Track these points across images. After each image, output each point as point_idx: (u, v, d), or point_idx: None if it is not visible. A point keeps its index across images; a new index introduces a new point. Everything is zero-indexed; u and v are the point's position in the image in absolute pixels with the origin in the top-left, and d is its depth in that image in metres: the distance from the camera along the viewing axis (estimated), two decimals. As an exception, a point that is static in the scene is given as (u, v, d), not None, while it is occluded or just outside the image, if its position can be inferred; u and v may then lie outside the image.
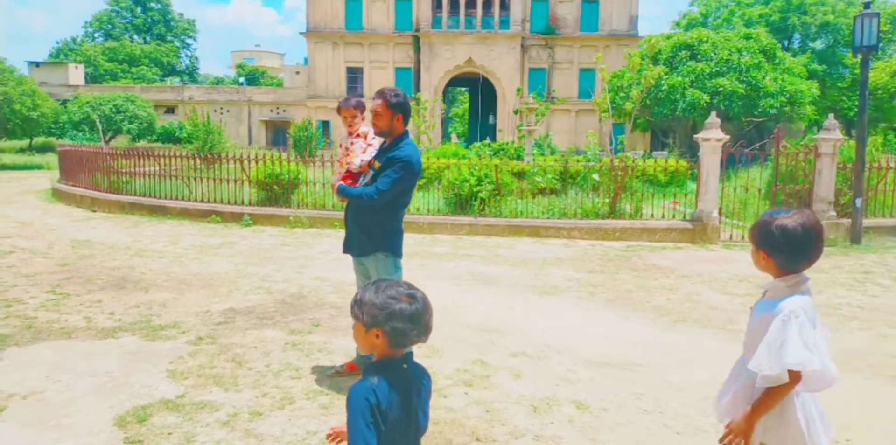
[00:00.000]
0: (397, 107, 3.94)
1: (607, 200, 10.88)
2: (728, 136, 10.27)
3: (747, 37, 27.45)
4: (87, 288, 6.60)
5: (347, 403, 1.76)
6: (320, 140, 28.11)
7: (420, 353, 4.64)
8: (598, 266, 8.21)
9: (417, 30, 40.72)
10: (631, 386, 4.26)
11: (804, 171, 10.28)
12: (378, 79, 41.77)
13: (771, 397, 2.14)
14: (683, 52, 27.21)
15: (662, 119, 27.73)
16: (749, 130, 26.36)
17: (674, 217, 10.69)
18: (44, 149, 34.93)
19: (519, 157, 18.39)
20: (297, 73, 50.00)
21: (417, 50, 41.01)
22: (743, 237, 10.34)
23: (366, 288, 1.85)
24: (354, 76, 42.13)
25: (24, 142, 35.47)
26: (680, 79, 25.96)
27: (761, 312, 2.25)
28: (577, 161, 12.71)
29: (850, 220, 10.10)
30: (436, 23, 40.50)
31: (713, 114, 10.66)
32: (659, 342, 5.25)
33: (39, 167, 26.88)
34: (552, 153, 22.43)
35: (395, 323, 1.78)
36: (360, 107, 4.26)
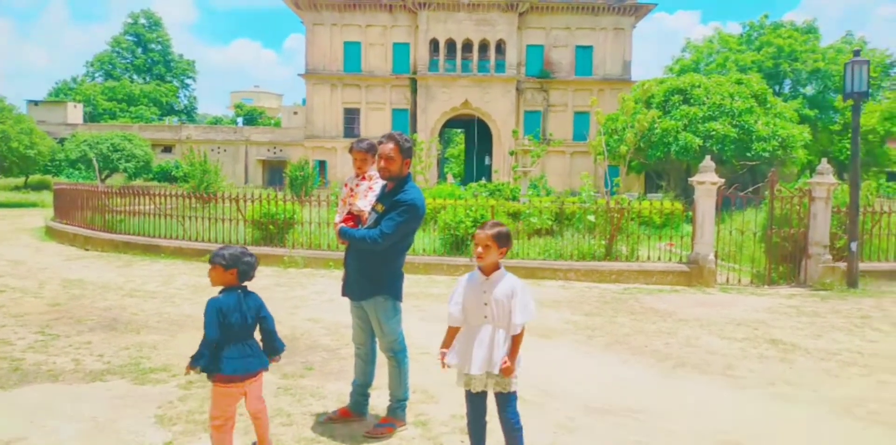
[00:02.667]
0: (408, 153, 4.01)
1: (603, 242, 10.88)
2: (723, 180, 10.37)
3: (739, 82, 28.06)
4: (77, 329, 6.49)
5: (205, 309, 3.34)
6: (316, 179, 28.25)
7: (415, 399, 4.54)
8: (596, 308, 8.15)
9: (415, 72, 41.53)
10: (631, 434, 4.16)
11: (799, 215, 10.34)
12: (375, 120, 42.36)
13: (520, 340, 3.39)
14: (676, 96, 27.74)
15: (656, 161, 28.06)
16: (742, 173, 26.66)
17: (670, 259, 10.68)
18: (39, 187, 34.98)
19: (514, 198, 18.49)
20: (295, 113, 50.70)
21: (414, 92, 41.73)
22: (740, 280, 10.32)
23: (221, 249, 3.45)
24: (352, 117, 42.71)
25: (20, 180, 35.54)
26: (673, 122, 26.40)
27: (500, 292, 3.33)
28: (573, 202, 12.77)
29: (846, 264, 10.11)
30: (433, 66, 41.35)
31: (707, 157, 10.78)
32: (659, 388, 5.16)
33: (34, 205, 26.86)
34: (548, 194, 22.58)
35: (243, 265, 3.41)
36: (372, 151, 4.19)
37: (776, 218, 10.30)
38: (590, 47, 41.79)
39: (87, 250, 12.74)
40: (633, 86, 35.35)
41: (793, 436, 4.30)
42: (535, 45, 41.88)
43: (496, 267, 3.36)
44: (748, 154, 26.04)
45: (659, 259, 10.70)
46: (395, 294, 4.06)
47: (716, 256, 10.34)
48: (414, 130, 40.20)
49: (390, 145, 3.95)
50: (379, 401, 4.37)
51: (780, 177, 12.56)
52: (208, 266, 3.50)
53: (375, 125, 42.39)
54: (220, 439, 3.43)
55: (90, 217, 14.00)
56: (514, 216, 12.64)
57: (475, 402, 3.45)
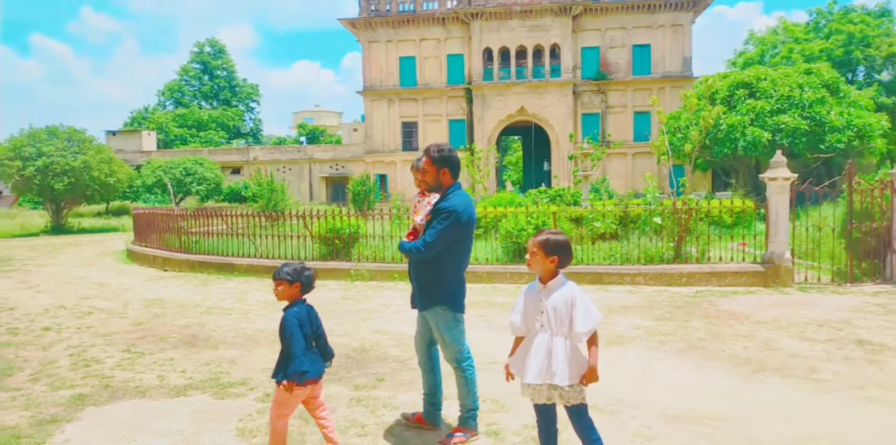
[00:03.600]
0: (441, 162, 4.03)
1: (671, 244, 10.60)
2: (796, 175, 9.94)
3: (808, 72, 26.88)
4: (160, 346, 6.81)
5: (284, 321, 3.63)
6: (378, 193, 28.73)
7: (485, 408, 4.54)
8: (667, 313, 7.93)
9: (470, 82, 41.74)
10: (711, 442, 4.03)
11: (881, 208, 9.79)
12: (432, 132, 42.77)
13: (596, 345, 3.29)
14: (741, 90, 26.82)
15: (723, 159, 27.16)
16: (816, 167, 25.46)
17: (743, 260, 10.30)
18: (119, 212, 36.95)
19: (576, 203, 18.26)
20: (355, 129, 51.79)
21: (470, 102, 41.92)
22: (819, 279, 9.84)
23: (284, 266, 3.75)
24: (409, 130, 43.27)
25: (102, 207, 37.63)
26: (739, 117, 25.51)
27: (558, 300, 3.28)
28: (637, 204, 12.51)
29: (937, 258, 9.48)
30: (487, 75, 41.46)
31: (778, 152, 10.37)
32: (738, 393, 4.98)
33: (115, 229, 28.40)
34: (610, 197, 22.19)
35: (305, 279, 3.72)
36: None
37: (856, 212, 9.78)
38: (647, 46, 40.96)
39: (165, 271, 13.37)
40: (695, 82, 34.34)
41: (886, 442, 4.06)
42: (590, 46, 41.37)
43: (553, 275, 3.31)
44: (821, 146, 24.86)
45: (731, 259, 10.34)
46: (454, 304, 4.06)
47: (792, 254, 9.91)
48: (471, 140, 40.34)
49: (423, 158, 4.06)
50: (451, 411, 4.40)
51: (858, 168, 11.93)
52: (273, 283, 3.72)
53: (433, 137, 42.78)
54: (283, 427, 3.72)
55: (167, 239, 14.69)
56: (577, 221, 12.48)
57: (542, 412, 3.43)
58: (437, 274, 4.04)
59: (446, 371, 4.31)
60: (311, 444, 4.11)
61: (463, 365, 4.14)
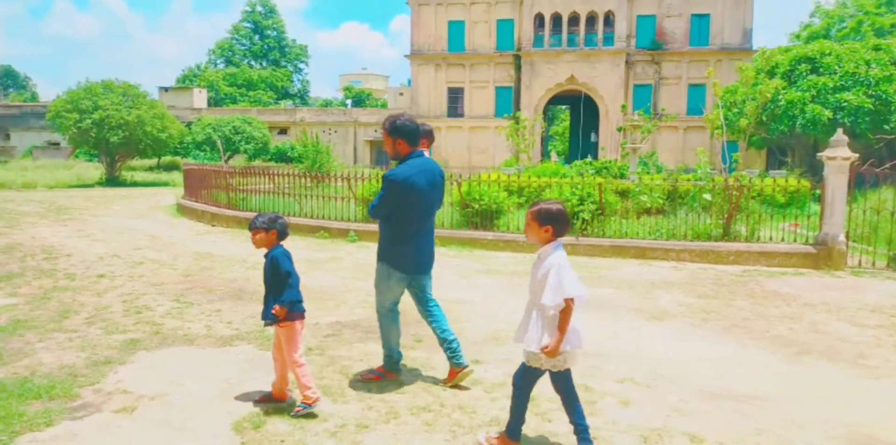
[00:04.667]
0: (395, 132, 4.31)
1: (720, 221, 10.35)
2: (856, 155, 9.53)
3: (877, 48, 25.49)
4: (208, 297, 7.03)
5: (276, 259, 3.99)
6: (421, 158, 28.58)
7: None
8: (711, 291, 7.80)
9: (519, 49, 40.92)
10: (750, 422, 3.98)
11: (947, 193, 9.33)
12: (478, 98, 42.29)
13: (565, 318, 3.22)
14: (803, 65, 25.65)
15: (779, 136, 26.19)
16: (878, 148, 24.34)
17: (795, 240, 10.00)
18: (170, 167, 37.83)
19: (623, 176, 17.93)
20: (401, 94, 51.53)
21: (518, 69, 41.18)
22: (874, 263, 9.52)
23: (257, 216, 4.13)
24: (455, 96, 42.87)
25: (153, 161, 38.59)
26: (799, 93, 24.47)
27: (541, 269, 3.30)
28: (687, 179, 12.20)
29: None
30: (537, 41, 40.55)
31: (839, 130, 9.93)
32: (781, 375, 4.89)
33: (166, 184, 29.14)
34: (658, 171, 21.70)
35: (280, 226, 4.10)
36: (428, 136, 4.73)
37: (920, 196, 9.35)
38: (706, 15, 39.36)
39: (213, 226, 13.71)
40: (755, 56, 32.99)
41: (936, 432, 3.95)
42: (646, 15, 39.98)
43: (547, 241, 3.36)
44: (886, 127, 23.72)
45: (782, 240, 10.05)
46: (391, 262, 4.40)
47: (847, 237, 9.57)
48: (518, 108, 39.77)
49: (382, 130, 4.44)
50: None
51: (926, 151, 11.34)
52: (250, 233, 4.04)
53: (479, 104, 42.33)
54: (306, 371, 3.96)
55: (216, 195, 15.02)
56: (623, 194, 12.27)
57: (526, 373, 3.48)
58: (384, 235, 4.48)
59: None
60: (350, 398, 4.21)
61: (379, 314, 4.61)
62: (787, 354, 5.39)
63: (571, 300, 3.19)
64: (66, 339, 5.40)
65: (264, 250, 4.09)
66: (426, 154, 4.53)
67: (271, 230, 4.01)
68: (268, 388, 4.20)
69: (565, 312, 3.21)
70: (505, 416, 3.61)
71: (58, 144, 44.30)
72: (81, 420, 3.80)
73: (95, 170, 31.49)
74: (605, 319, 6.38)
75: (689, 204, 11.67)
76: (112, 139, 27.85)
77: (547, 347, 3.24)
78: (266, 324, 3.97)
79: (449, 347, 4.45)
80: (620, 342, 5.63)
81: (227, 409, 3.99)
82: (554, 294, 3.19)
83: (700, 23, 39.62)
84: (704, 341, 5.75)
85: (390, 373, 4.61)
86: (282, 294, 3.90)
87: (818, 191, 10.10)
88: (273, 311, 3.88)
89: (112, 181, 29.07)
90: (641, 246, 10.06)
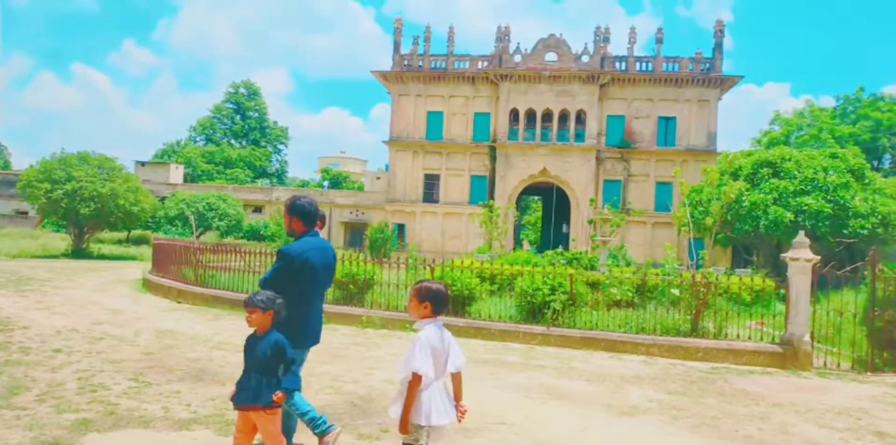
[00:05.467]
0: (292, 211, 4.55)
1: (688, 317, 10.47)
2: (818, 257, 9.89)
3: (834, 156, 27.07)
4: (168, 377, 6.78)
5: (278, 343, 3.87)
6: (395, 242, 28.85)
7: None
8: (681, 387, 7.76)
9: (494, 140, 42.50)
10: (724, 527, 3.87)
11: (904, 297, 9.64)
12: (454, 185, 43.30)
13: (410, 391, 3.36)
14: (765, 169, 27.00)
15: (744, 235, 27.07)
16: (839, 251, 25.23)
17: (761, 339, 10.12)
18: (139, 241, 37.32)
19: (593, 268, 18.19)
20: (378, 178, 52.58)
21: (493, 159, 42.55)
22: (839, 365, 9.63)
23: (255, 294, 3.98)
24: (431, 182, 43.84)
25: (123, 235, 38.06)
26: (762, 195, 25.59)
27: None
28: (656, 274, 12.45)
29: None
30: (512, 134, 42.23)
31: (801, 232, 10.35)
32: (752, 477, 4.81)
33: (133, 258, 28.64)
34: (627, 265, 22.08)
35: (277, 306, 4.01)
36: (321, 219, 4.88)
37: (879, 299, 9.64)
38: (673, 118, 41.69)
39: (179, 302, 13.39)
40: (718, 157, 34.75)
41: None
42: (615, 115, 42.18)
43: (424, 317, 3.59)
44: (844, 231, 24.74)
45: (749, 338, 10.16)
46: (290, 338, 4.16)
47: (812, 338, 9.73)
48: (492, 196, 40.73)
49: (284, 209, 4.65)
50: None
51: (882, 256, 11.82)
52: (246, 311, 3.93)
53: (454, 190, 43.27)
54: None
55: (184, 271, 14.79)
56: (593, 286, 12.41)
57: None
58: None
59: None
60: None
61: None
62: (757, 456, 5.32)
63: (419, 375, 3.33)
64: (13, 417, 5.11)
65: (248, 330, 4.03)
66: (320, 234, 4.74)
67: (268, 310, 3.90)
68: (225, 478, 3.99)
69: (411, 385, 3.35)
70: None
71: (26, 213, 43.63)
72: (20, 509, 3.55)
73: (62, 241, 30.91)
74: (575, 413, 6.28)
75: (657, 298, 11.83)
76: (83, 210, 27.58)
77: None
78: (245, 408, 3.84)
79: (314, 423, 4.42)
80: (590, 437, 5.53)
81: (180, 500, 3.77)
82: (404, 365, 3.40)
83: (667, 125, 41.87)
84: (675, 439, 5.67)
85: (329, 433, 4.52)
86: (276, 378, 3.83)
87: (783, 291, 10.35)
88: (275, 397, 3.80)
89: (79, 253, 28.50)
90: (612, 339, 10.07)
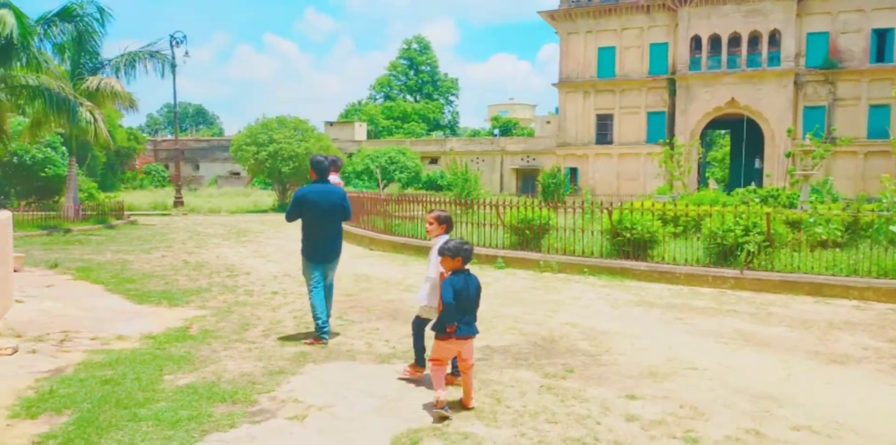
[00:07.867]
0: (311, 165, 6.31)
1: (913, 257, 9.20)
2: None
3: None
4: (367, 316, 7.45)
5: (443, 285, 4.55)
6: (568, 187, 28.39)
7: (682, 414, 4.36)
8: (903, 334, 6.92)
9: (673, 72, 39.57)
10: (960, 486, 3.47)
11: None
12: (629, 124, 41.30)
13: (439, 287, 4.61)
14: None
15: None
16: None
17: None
18: (332, 195, 40.57)
19: (793, 205, 16.56)
20: (548, 122, 51.60)
21: (672, 93, 39.75)
22: None
23: (446, 243, 4.68)
24: (604, 123, 42.19)
25: (318, 190, 41.60)
26: None
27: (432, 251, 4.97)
28: (871, 210, 11.01)
29: None
30: (694, 64, 38.98)
31: None
32: None
33: (328, 210, 31.21)
34: (834, 201, 19.76)
35: (465, 253, 4.55)
36: (334, 165, 6.97)
37: None
38: (890, 30, 35.67)
39: (371, 250, 14.49)
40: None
41: None
42: (817, 32, 37.05)
43: (440, 234, 5.07)
44: None
45: None
46: (302, 253, 6.38)
47: None
48: (672, 134, 38.28)
49: None
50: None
51: None
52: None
53: (629, 130, 41.30)
54: (440, 371, 4.53)
55: (374, 221, 15.91)
56: (794, 225, 11.32)
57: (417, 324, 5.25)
58: (302, 235, 6.37)
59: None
60: (502, 423, 4.24)
61: (309, 290, 6.24)
62: None
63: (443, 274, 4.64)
64: (245, 349, 5.96)
65: (442, 272, 4.67)
66: (333, 180, 6.62)
67: (457, 257, 4.58)
68: (420, 406, 4.34)
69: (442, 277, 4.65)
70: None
71: (238, 173, 49.35)
72: (259, 425, 4.17)
73: (269, 197, 34.61)
74: (776, 359, 5.89)
75: (872, 236, 10.51)
76: (284, 169, 30.56)
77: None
78: (469, 337, 4.56)
79: (315, 322, 6.14)
80: (794, 385, 5.17)
81: (386, 424, 4.18)
82: (434, 267, 4.86)
83: (882, 38, 35.98)
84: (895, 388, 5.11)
85: (317, 340, 6.08)
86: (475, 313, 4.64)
87: None
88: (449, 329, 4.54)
89: (284, 207, 31.73)
90: (817, 282, 9.18)
